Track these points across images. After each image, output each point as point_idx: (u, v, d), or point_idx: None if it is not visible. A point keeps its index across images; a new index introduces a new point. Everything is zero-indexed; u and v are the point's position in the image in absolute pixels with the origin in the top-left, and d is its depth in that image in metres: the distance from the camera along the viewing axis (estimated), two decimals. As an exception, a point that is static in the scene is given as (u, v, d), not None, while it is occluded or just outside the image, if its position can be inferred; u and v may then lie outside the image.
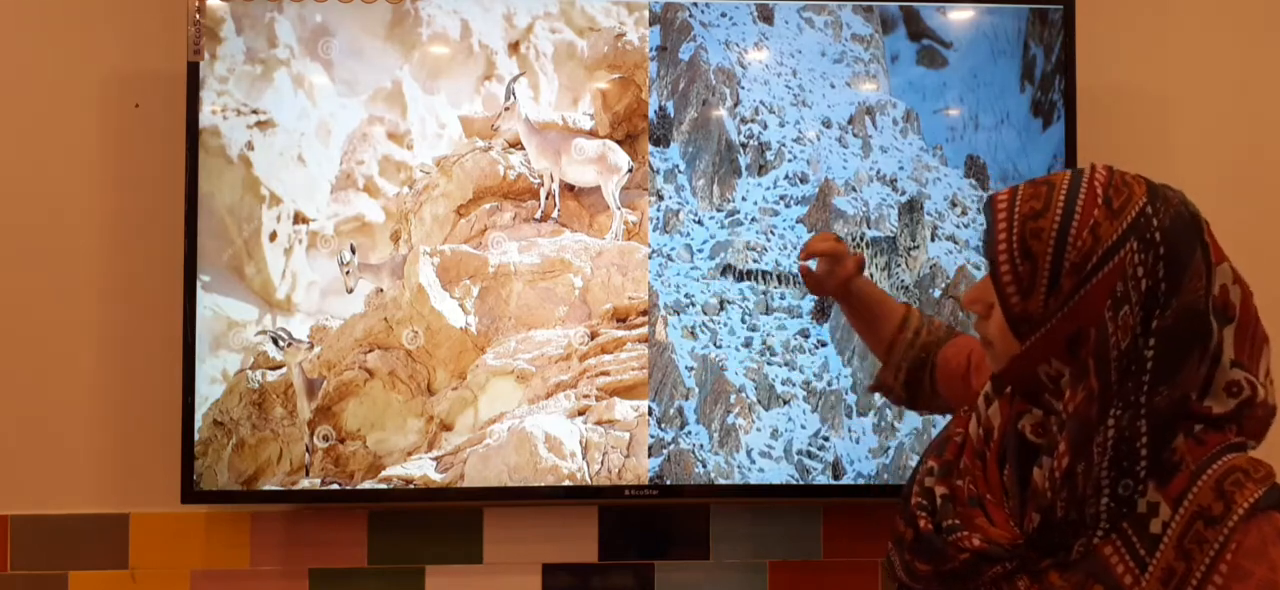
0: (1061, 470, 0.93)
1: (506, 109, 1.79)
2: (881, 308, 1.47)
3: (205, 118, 1.75)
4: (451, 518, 1.89)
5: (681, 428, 1.80)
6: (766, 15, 1.83)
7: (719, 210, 1.82)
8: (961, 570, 1.00)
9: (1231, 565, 0.90)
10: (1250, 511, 0.91)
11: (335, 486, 1.76)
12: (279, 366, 1.76)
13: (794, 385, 1.81)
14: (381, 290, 1.78)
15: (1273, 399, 0.99)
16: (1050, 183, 0.98)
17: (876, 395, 1.59)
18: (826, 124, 1.83)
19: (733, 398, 1.80)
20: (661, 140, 1.82)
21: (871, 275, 1.82)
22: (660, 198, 1.81)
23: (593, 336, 1.79)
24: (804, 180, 1.83)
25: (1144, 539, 0.93)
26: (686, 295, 1.81)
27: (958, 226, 1.83)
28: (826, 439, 1.80)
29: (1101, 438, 0.92)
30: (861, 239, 1.82)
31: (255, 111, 1.76)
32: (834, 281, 1.44)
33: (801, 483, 1.80)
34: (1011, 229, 0.97)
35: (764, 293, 1.82)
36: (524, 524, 1.89)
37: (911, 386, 1.42)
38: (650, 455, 1.79)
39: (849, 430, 1.80)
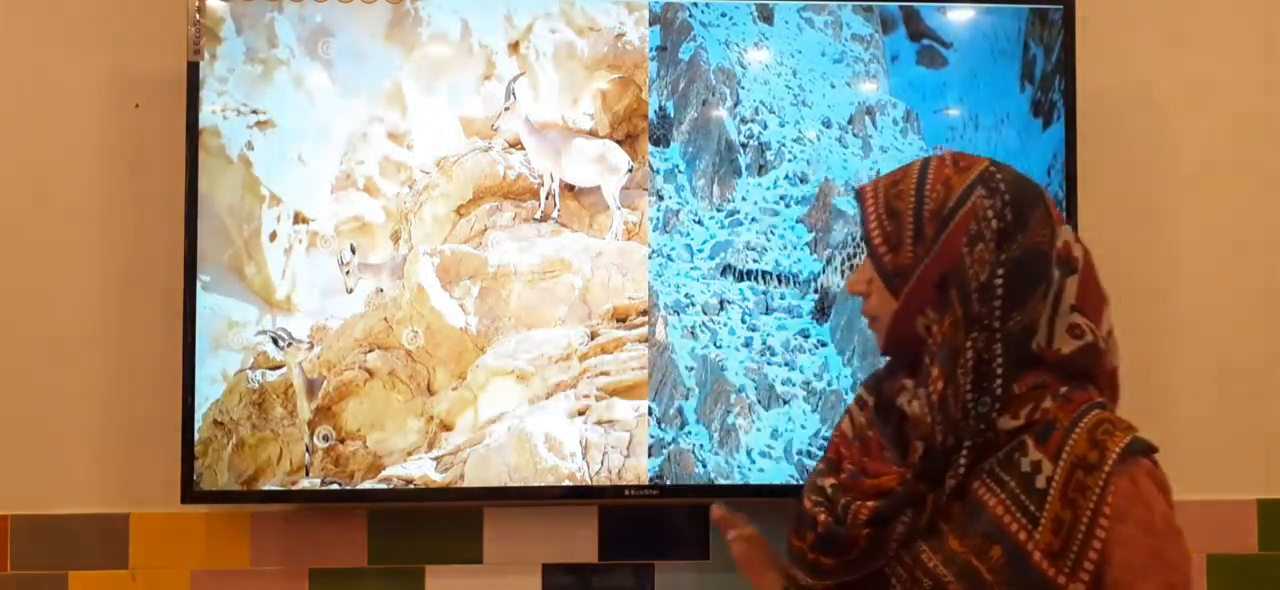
0: (937, 394, 1.04)
1: (506, 109, 1.79)
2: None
3: (205, 118, 1.75)
4: (451, 518, 1.89)
5: (681, 428, 1.80)
6: (766, 15, 1.83)
7: (719, 210, 1.82)
8: (868, 546, 1.06)
9: (1113, 507, 1.00)
10: (1122, 456, 1.01)
11: (335, 486, 1.76)
12: (279, 366, 1.76)
13: (794, 385, 1.81)
14: (381, 290, 1.78)
15: (1115, 357, 1.11)
16: (905, 166, 1.14)
17: None
18: (826, 124, 1.83)
19: (733, 398, 1.80)
20: (661, 140, 1.82)
21: (871, 275, 1.83)
22: (660, 198, 1.81)
23: (593, 336, 1.79)
24: (804, 180, 1.83)
25: (1031, 495, 1.02)
26: (686, 295, 1.81)
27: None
28: (826, 439, 1.80)
29: (964, 360, 1.03)
30: (862, 239, 1.82)
31: (255, 111, 1.76)
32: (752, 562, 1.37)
33: (801, 483, 1.80)
34: (877, 198, 1.12)
35: (764, 293, 1.82)
36: (524, 524, 1.89)
37: None
38: (650, 455, 1.79)
39: (849, 430, 1.80)
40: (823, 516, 1.11)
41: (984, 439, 1.04)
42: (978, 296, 1.04)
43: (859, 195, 1.16)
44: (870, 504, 1.06)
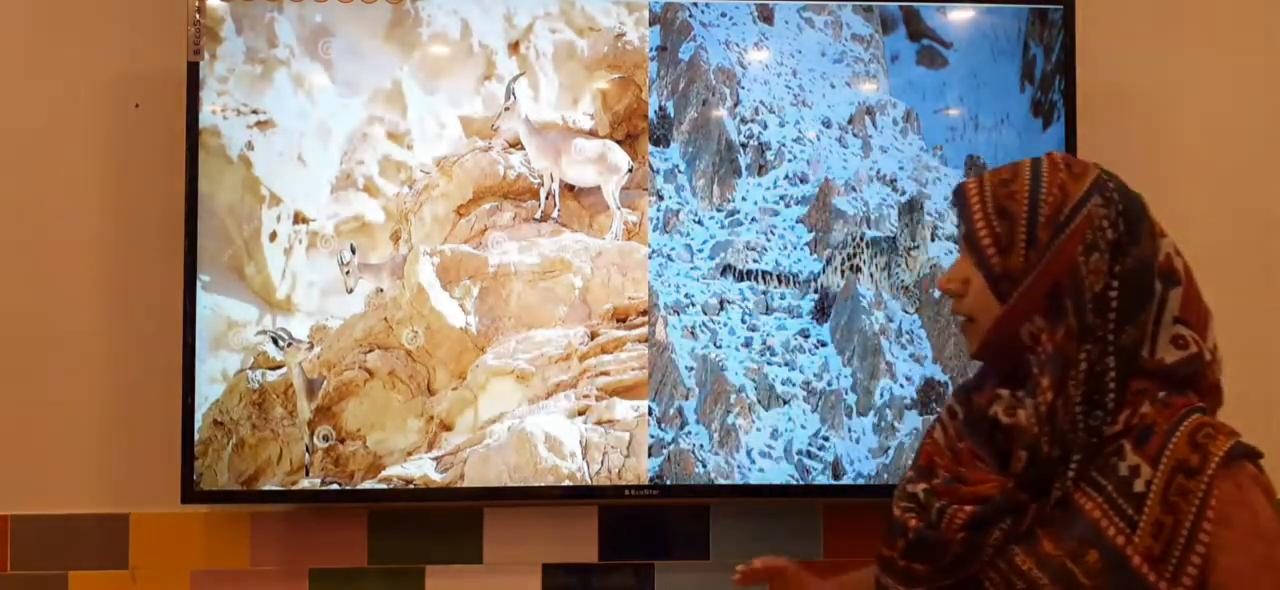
0: (1046, 404, 1.02)
1: (506, 109, 1.79)
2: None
3: (205, 118, 1.75)
4: (451, 518, 1.89)
5: (681, 428, 1.80)
6: (766, 15, 1.83)
7: (719, 210, 1.82)
8: (962, 551, 1.05)
9: (1217, 511, 0.97)
10: (1225, 460, 0.99)
11: (335, 486, 1.76)
12: (279, 366, 1.76)
13: (794, 385, 1.81)
14: (381, 290, 1.78)
15: (1219, 371, 1.10)
16: (1013, 164, 1.11)
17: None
18: (826, 124, 1.83)
19: (733, 398, 1.80)
20: (661, 140, 1.82)
21: (871, 275, 1.83)
22: (660, 198, 1.81)
23: (593, 336, 1.79)
24: (804, 180, 1.83)
25: (1130, 499, 1.00)
26: (686, 295, 1.81)
27: (958, 226, 1.83)
28: (826, 439, 1.80)
29: (1076, 372, 1.02)
30: (861, 239, 1.82)
31: (255, 111, 1.76)
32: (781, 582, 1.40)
33: (801, 483, 1.80)
34: (985, 198, 1.09)
35: (764, 293, 1.82)
36: (524, 524, 1.89)
37: None
38: (650, 455, 1.79)
39: (849, 430, 1.80)
40: (913, 522, 1.09)
41: (1091, 449, 1.03)
42: (1092, 308, 1.03)
43: (961, 192, 1.12)
44: (967, 509, 1.05)
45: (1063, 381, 1.02)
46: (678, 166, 1.82)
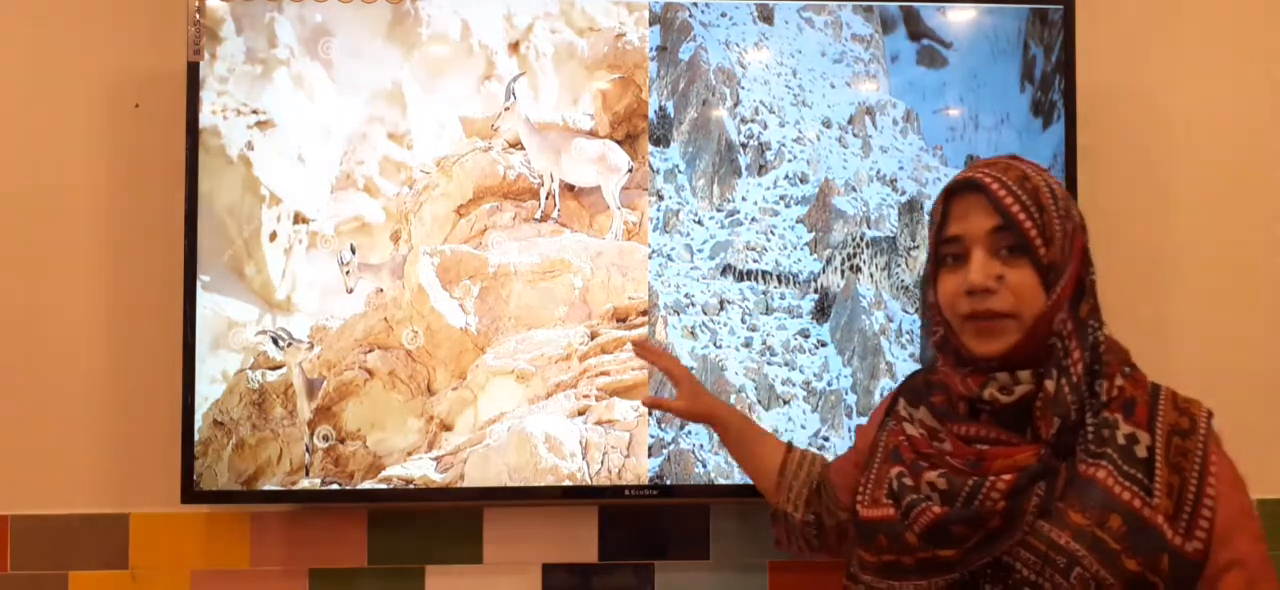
0: (1078, 374, 1.09)
1: (506, 109, 1.79)
2: (758, 430, 1.53)
3: (205, 118, 1.75)
4: (451, 518, 1.89)
5: (681, 428, 1.80)
6: (766, 15, 1.83)
7: (719, 210, 1.82)
8: (1003, 521, 1.08)
9: (1218, 462, 1.09)
10: (1207, 422, 1.11)
11: (335, 486, 1.76)
12: (279, 366, 1.76)
13: (794, 385, 1.81)
14: (381, 290, 1.78)
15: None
16: (1002, 161, 1.17)
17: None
18: (826, 124, 1.83)
19: (733, 398, 1.80)
20: (661, 140, 1.82)
21: (871, 275, 1.82)
22: (660, 198, 1.81)
23: (593, 336, 1.79)
24: (804, 180, 1.83)
25: (1136, 464, 1.08)
26: (686, 295, 1.81)
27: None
28: (826, 439, 1.80)
29: (1091, 340, 1.12)
30: (861, 239, 1.82)
31: (255, 111, 1.76)
32: (699, 406, 1.49)
33: (801, 483, 1.80)
34: (1010, 192, 1.11)
35: (764, 293, 1.82)
36: (524, 524, 1.89)
37: (810, 513, 1.43)
38: (650, 455, 1.79)
39: (849, 430, 1.80)
40: (936, 510, 1.11)
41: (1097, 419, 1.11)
42: (1093, 290, 1.14)
43: (976, 184, 1.14)
44: (1006, 477, 1.08)
45: (1084, 355, 1.10)
46: (678, 166, 1.82)
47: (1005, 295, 1.11)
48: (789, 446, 1.49)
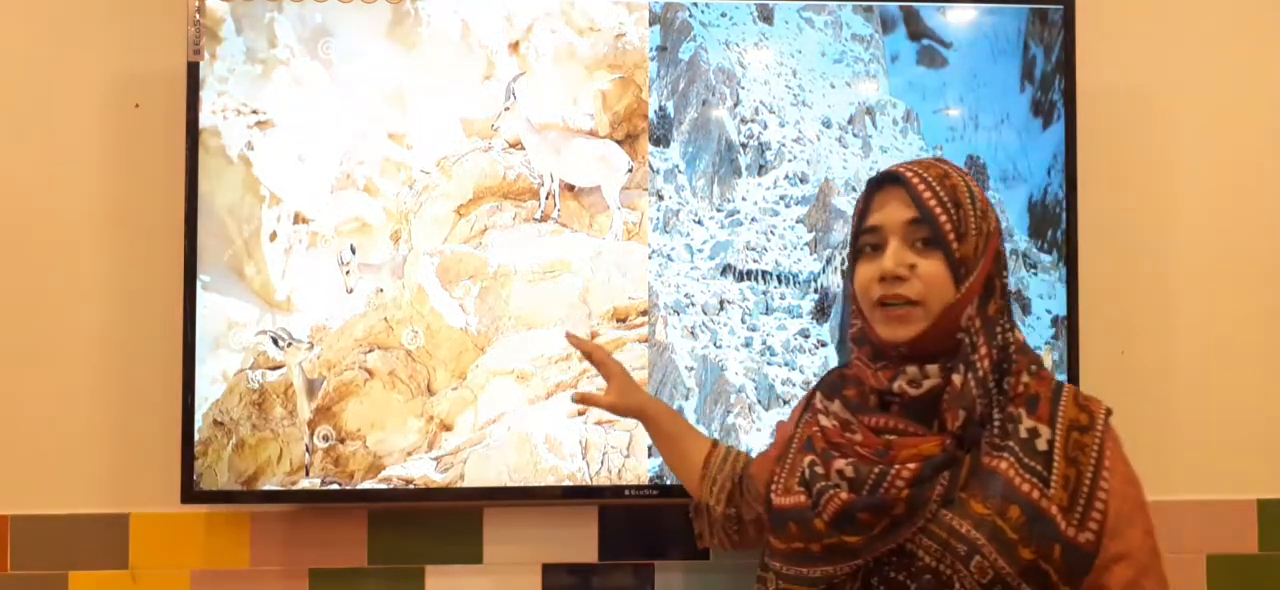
0: (985, 369, 1.13)
1: (506, 109, 1.79)
2: (686, 427, 1.54)
3: (205, 118, 1.75)
4: (451, 518, 1.89)
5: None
6: (766, 15, 1.83)
7: (719, 210, 1.82)
8: (907, 509, 1.11)
9: (1112, 458, 1.12)
10: (1105, 419, 1.15)
11: (335, 486, 1.76)
12: (279, 366, 1.76)
13: (794, 385, 1.81)
14: (381, 290, 1.78)
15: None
16: (925, 161, 1.21)
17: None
18: (826, 124, 1.83)
19: (733, 398, 1.80)
20: (661, 140, 1.82)
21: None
22: (660, 198, 1.81)
23: (593, 336, 1.79)
24: (804, 180, 1.83)
25: (1036, 457, 1.11)
26: (686, 295, 1.81)
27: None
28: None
29: (1000, 340, 1.14)
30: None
31: (255, 111, 1.76)
32: (628, 401, 1.50)
33: (801, 483, 1.80)
34: (929, 187, 1.16)
35: (764, 293, 1.82)
36: (524, 524, 1.89)
37: (732, 508, 1.45)
38: (650, 455, 1.79)
39: (849, 430, 1.80)
40: (843, 497, 1.14)
41: (1002, 413, 1.14)
42: (1003, 291, 1.17)
43: (901, 180, 1.18)
44: (911, 466, 1.11)
45: (991, 352, 1.13)
46: (678, 166, 1.82)
47: (915, 283, 1.15)
48: (714, 442, 1.50)
